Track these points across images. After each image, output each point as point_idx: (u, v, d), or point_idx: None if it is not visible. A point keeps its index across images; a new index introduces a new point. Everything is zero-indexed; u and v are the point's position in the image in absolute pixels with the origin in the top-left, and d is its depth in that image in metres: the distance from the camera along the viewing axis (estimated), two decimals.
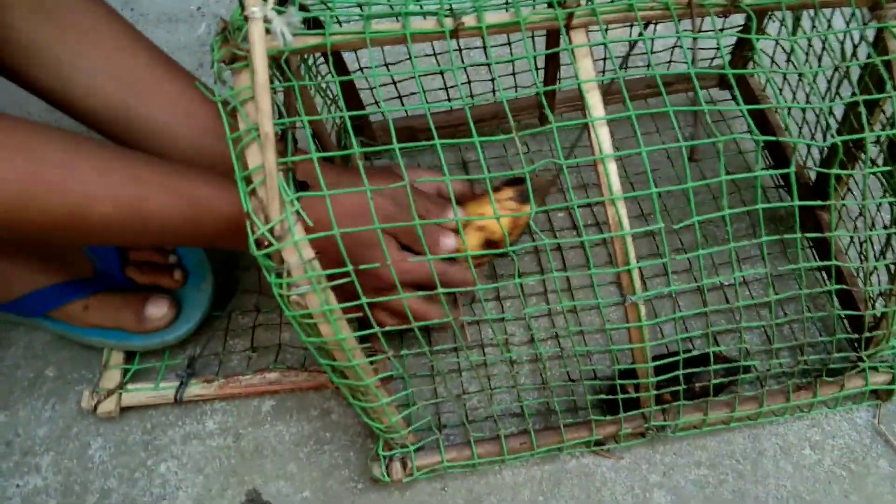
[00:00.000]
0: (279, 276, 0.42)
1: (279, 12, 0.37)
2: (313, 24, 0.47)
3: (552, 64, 0.66)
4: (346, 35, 0.43)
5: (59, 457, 0.60)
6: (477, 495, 0.58)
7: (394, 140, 0.42)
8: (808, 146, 0.68)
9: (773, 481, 0.58)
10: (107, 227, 0.45)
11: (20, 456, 0.60)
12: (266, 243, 0.41)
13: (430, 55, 0.73)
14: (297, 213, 0.41)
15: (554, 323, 0.65)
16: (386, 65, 0.68)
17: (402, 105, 0.70)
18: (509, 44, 0.67)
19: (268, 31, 0.40)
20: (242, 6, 0.38)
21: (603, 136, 0.43)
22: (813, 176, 0.68)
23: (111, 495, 0.58)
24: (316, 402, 0.63)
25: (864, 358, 0.56)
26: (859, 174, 0.60)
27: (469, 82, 0.62)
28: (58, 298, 0.58)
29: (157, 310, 0.60)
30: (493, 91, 0.73)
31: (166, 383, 0.61)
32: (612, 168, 0.43)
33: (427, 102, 0.43)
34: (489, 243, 0.57)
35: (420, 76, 0.44)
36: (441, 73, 0.63)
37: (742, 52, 0.72)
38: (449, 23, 0.43)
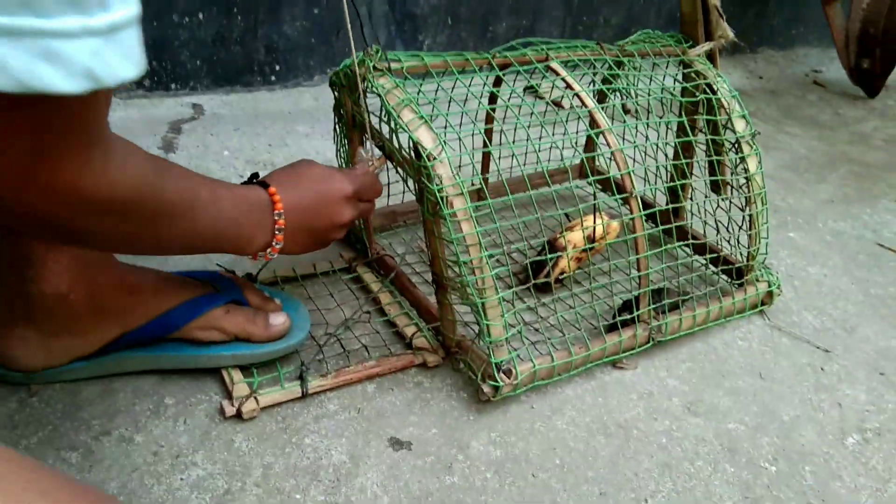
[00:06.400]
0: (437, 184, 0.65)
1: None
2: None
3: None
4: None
5: (209, 452, 0.66)
6: (557, 407, 0.76)
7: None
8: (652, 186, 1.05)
9: (730, 360, 0.85)
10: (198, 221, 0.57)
11: (171, 459, 0.65)
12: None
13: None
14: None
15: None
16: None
17: None
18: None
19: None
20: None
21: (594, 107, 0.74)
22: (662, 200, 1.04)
23: (273, 467, 0.66)
24: (407, 378, 0.77)
25: (753, 267, 0.88)
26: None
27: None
28: (204, 305, 0.69)
29: (279, 318, 0.73)
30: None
31: (288, 384, 0.72)
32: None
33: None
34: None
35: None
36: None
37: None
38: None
